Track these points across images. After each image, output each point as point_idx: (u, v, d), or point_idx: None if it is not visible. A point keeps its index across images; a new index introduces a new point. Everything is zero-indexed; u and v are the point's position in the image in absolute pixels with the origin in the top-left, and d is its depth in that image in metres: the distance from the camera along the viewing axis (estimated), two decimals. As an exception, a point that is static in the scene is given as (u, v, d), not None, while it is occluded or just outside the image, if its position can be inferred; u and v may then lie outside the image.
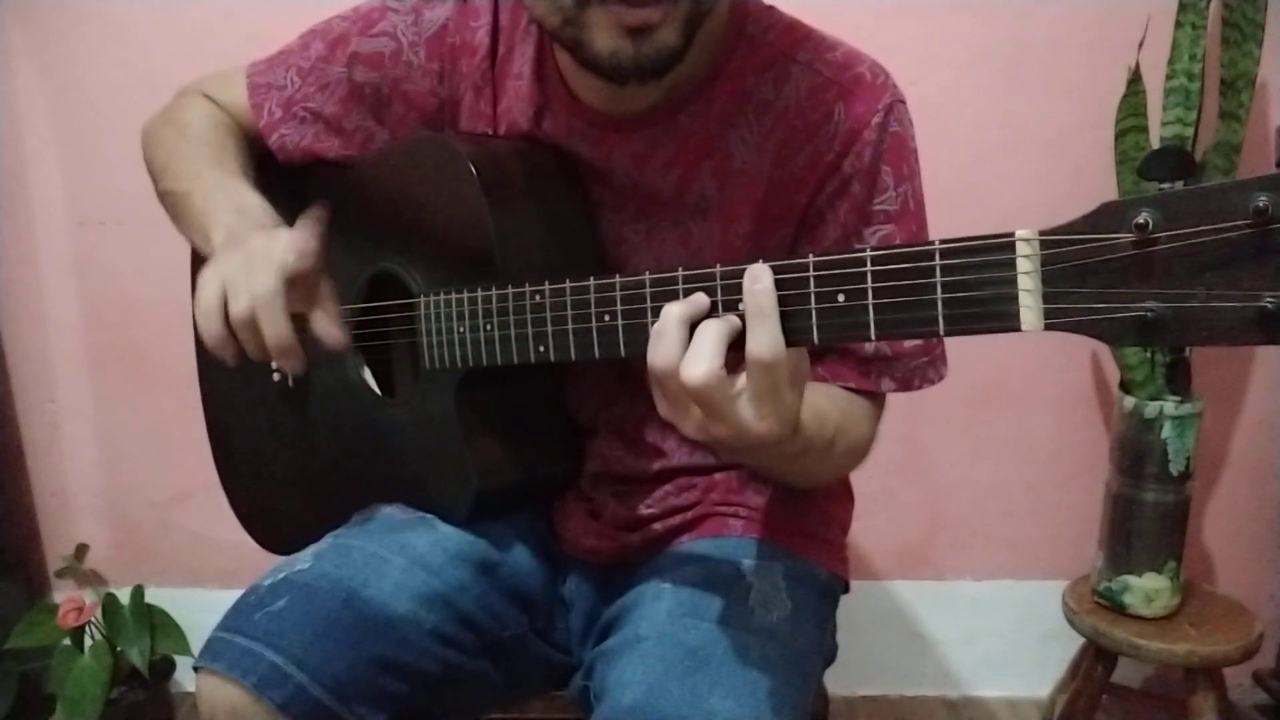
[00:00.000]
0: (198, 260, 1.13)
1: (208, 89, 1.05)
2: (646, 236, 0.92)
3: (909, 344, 0.88)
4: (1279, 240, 0.47)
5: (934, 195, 0.92)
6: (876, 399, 0.92)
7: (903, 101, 0.88)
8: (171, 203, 0.99)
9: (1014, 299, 0.55)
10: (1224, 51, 1.40)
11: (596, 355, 0.76)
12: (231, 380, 1.15)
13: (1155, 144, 1.42)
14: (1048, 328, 0.55)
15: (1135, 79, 1.41)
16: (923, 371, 0.90)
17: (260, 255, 0.80)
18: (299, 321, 0.82)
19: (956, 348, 0.92)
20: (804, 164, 0.87)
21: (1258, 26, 1.36)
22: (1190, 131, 1.41)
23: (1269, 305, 0.47)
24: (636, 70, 0.78)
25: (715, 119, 0.88)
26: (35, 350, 1.75)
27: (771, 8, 0.91)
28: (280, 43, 1.03)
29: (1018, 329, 0.55)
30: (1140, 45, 1.41)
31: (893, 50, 1.01)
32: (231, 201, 0.90)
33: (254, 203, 0.90)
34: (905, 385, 0.90)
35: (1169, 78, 1.41)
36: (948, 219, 0.85)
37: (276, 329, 0.80)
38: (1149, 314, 0.51)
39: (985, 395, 1.67)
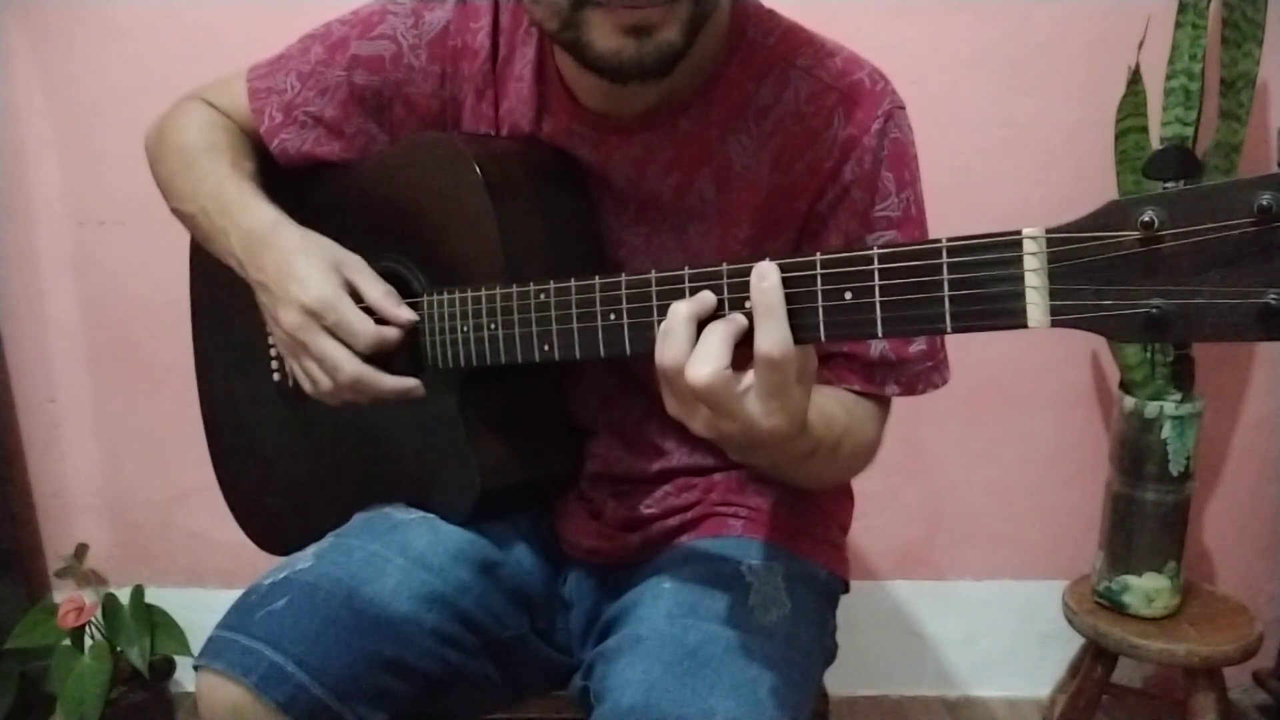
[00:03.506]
0: (197, 258, 1.14)
1: (208, 95, 1.05)
2: (645, 240, 0.92)
3: (913, 349, 0.89)
4: (1281, 238, 0.48)
5: (934, 195, 0.92)
6: (882, 403, 0.92)
7: (902, 108, 0.89)
8: (183, 221, 1.02)
9: (1020, 296, 0.55)
10: (1224, 51, 1.40)
11: (602, 354, 0.76)
12: (230, 379, 1.15)
13: (1155, 144, 1.42)
14: (1054, 324, 0.55)
15: (1135, 79, 1.41)
16: (927, 376, 0.91)
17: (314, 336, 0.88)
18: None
19: (957, 348, 0.92)
20: (803, 170, 0.87)
21: (1258, 26, 1.37)
22: (1190, 131, 1.41)
23: (1272, 301, 0.48)
24: (639, 70, 0.77)
25: (714, 123, 0.88)
26: (35, 350, 1.75)
27: (772, 12, 0.91)
28: (280, 42, 1.03)
29: (1024, 326, 0.56)
30: (1140, 45, 1.41)
31: (893, 51, 1.01)
32: (236, 224, 0.93)
33: (256, 217, 0.93)
34: (910, 390, 0.90)
35: (1169, 78, 1.41)
36: (948, 219, 0.85)
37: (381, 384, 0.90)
38: (1154, 311, 0.51)
39: (985, 395, 1.67)
